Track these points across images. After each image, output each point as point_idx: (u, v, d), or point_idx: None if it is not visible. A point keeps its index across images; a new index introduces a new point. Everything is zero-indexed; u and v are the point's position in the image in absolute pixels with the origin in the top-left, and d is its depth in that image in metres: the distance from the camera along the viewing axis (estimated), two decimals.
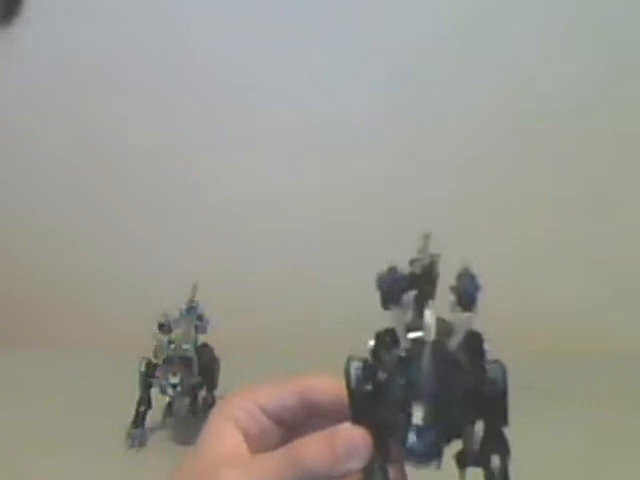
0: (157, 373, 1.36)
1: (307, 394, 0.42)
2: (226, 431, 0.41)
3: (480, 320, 0.40)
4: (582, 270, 1.86)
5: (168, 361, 1.35)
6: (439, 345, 0.39)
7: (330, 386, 0.41)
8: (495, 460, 0.40)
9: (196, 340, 1.38)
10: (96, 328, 1.93)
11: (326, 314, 1.84)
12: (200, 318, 1.39)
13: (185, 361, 1.35)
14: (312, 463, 0.38)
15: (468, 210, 1.88)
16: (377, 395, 0.40)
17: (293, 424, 0.43)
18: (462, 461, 0.41)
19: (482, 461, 0.40)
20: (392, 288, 0.40)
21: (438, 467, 0.39)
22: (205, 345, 1.41)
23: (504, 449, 0.40)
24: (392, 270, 0.41)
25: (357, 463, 0.38)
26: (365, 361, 0.40)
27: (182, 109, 1.91)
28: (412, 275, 0.41)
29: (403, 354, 0.39)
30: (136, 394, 1.38)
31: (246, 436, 0.41)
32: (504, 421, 0.40)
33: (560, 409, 1.51)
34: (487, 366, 0.40)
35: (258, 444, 0.40)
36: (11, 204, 1.99)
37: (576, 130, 1.83)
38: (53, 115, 1.93)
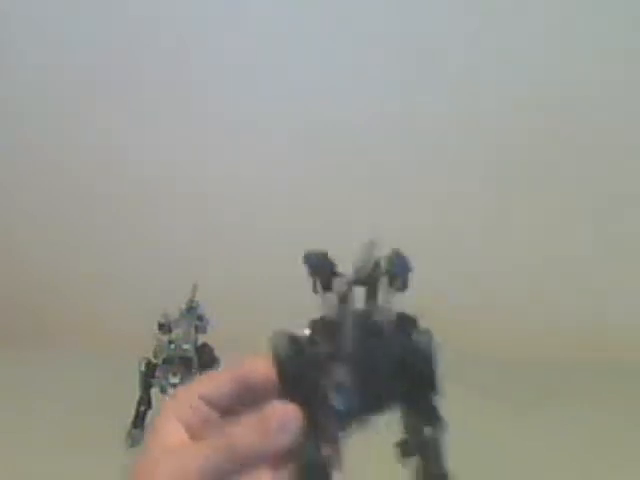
0: (157, 373, 1.36)
1: (245, 379, 0.42)
2: (168, 425, 0.42)
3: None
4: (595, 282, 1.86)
5: (168, 361, 1.35)
6: (364, 313, 0.40)
7: (267, 368, 0.41)
8: (427, 430, 0.40)
9: (196, 340, 1.38)
10: (96, 328, 1.93)
11: None
12: (200, 318, 1.39)
13: (185, 361, 1.36)
14: (242, 442, 0.39)
15: (467, 210, 1.88)
16: (303, 365, 0.40)
17: (235, 410, 0.43)
18: (405, 450, 0.40)
19: (419, 444, 0.40)
20: (322, 270, 0.41)
21: (363, 429, 0.39)
22: (205, 345, 1.41)
23: (436, 418, 0.40)
24: (322, 255, 0.42)
25: (287, 437, 0.39)
26: (291, 334, 0.41)
27: (181, 109, 1.91)
28: (357, 282, 0.41)
29: (327, 319, 0.40)
30: (136, 394, 1.39)
31: (189, 427, 0.42)
32: (434, 389, 0.40)
33: (560, 409, 1.51)
34: (414, 335, 0.40)
35: (202, 434, 0.41)
36: (11, 206, 1.99)
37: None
38: (53, 119, 1.93)
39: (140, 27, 1.88)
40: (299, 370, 0.40)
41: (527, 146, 1.85)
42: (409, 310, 0.41)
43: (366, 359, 0.39)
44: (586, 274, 1.85)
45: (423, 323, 0.41)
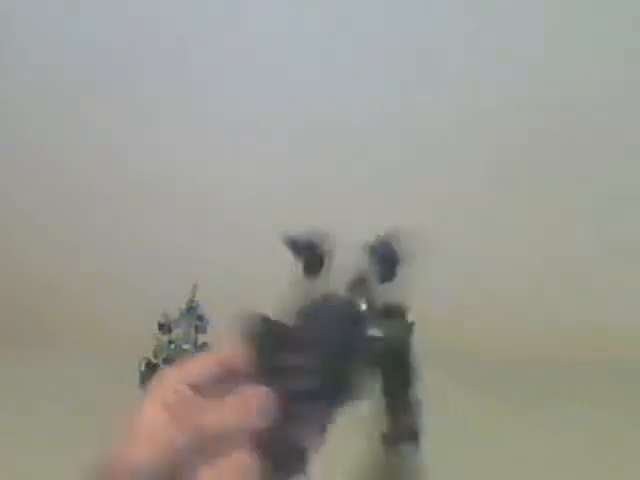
0: (157, 373, 1.36)
1: (227, 363, 0.43)
2: (152, 408, 0.43)
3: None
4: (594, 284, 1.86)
5: (168, 361, 1.35)
6: (343, 300, 0.41)
7: (248, 352, 0.42)
8: (404, 421, 0.41)
9: (196, 340, 1.38)
10: (96, 328, 1.93)
11: None
12: (200, 318, 1.39)
13: None
14: (222, 423, 0.40)
15: (467, 210, 1.88)
16: (277, 346, 0.41)
17: (217, 392, 0.44)
18: (390, 439, 0.41)
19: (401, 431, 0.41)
20: (312, 257, 0.43)
21: (332, 411, 0.40)
22: (205, 345, 1.41)
23: (411, 409, 0.41)
24: (306, 239, 0.43)
25: (264, 418, 0.40)
26: (264, 315, 0.42)
27: (181, 109, 1.91)
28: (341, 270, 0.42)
29: (304, 304, 0.41)
30: (136, 394, 1.38)
31: (170, 409, 0.43)
32: (409, 381, 0.41)
33: (560, 409, 1.51)
34: (390, 323, 0.41)
35: (184, 415, 0.42)
36: (11, 206, 1.99)
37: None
38: (53, 119, 1.93)
39: (140, 27, 1.88)
40: (273, 350, 0.41)
41: (527, 146, 1.85)
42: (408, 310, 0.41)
43: (340, 344, 0.40)
44: (586, 274, 1.85)
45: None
